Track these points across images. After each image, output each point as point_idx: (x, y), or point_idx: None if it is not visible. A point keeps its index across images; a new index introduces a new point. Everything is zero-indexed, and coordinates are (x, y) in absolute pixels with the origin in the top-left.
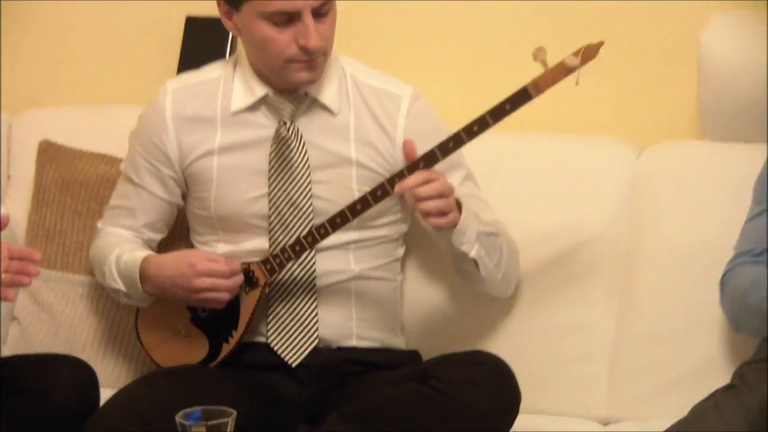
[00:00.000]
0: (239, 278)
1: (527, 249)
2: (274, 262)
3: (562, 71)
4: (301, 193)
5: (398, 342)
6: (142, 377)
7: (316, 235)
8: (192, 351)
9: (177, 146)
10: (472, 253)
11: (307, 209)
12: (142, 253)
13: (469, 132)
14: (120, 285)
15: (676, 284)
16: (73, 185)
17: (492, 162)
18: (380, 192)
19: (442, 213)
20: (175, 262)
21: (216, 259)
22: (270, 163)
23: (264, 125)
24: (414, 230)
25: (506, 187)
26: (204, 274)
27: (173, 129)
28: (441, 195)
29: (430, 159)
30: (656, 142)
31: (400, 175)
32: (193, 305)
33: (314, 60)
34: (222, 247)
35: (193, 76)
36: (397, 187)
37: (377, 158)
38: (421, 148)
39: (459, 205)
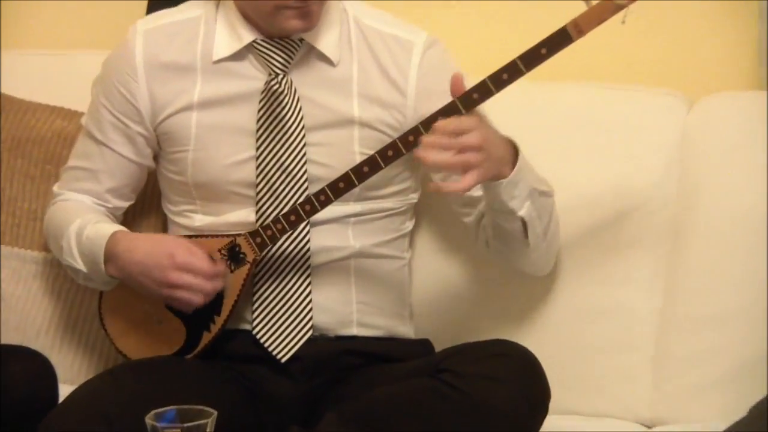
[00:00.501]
0: (220, 284)
1: (560, 218)
2: (264, 234)
3: (607, 9)
4: (294, 157)
5: (406, 330)
6: (107, 371)
7: (315, 203)
8: (166, 340)
9: (149, 98)
10: (522, 212)
11: (300, 176)
12: (110, 227)
13: (497, 81)
14: (80, 264)
15: (732, 258)
16: (25, 144)
17: (518, 116)
18: (392, 152)
19: (465, 167)
20: (152, 247)
21: (199, 254)
22: (258, 121)
23: (251, 77)
24: (425, 200)
25: (534, 146)
26: (183, 268)
27: (144, 77)
28: (445, 148)
29: (450, 114)
30: (709, 93)
31: (414, 132)
32: (161, 300)
33: (308, 6)
34: (200, 219)
35: (167, 16)
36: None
37: (384, 117)
38: (437, 105)
39: (515, 150)
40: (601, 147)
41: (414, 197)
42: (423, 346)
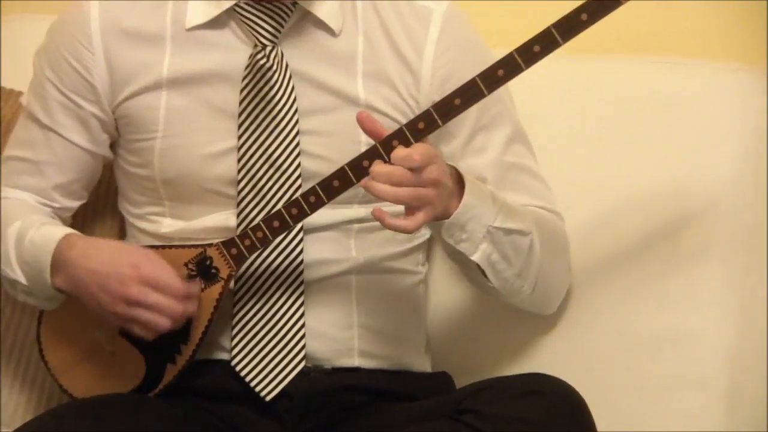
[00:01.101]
0: (192, 307)
1: (607, 223)
2: (242, 244)
3: None
4: (285, 148)
5: (420, 361)
6: (49, 411)
7: (304, 206)
8: (121, 375)
9: (107, 72)
10: (475, 256)
11: (292, 172)
12: (61, 229)
13: (527, 54)
14: (18, 275)
15: None
16: None
17: (553, 98)
18: (397, 142)
19: (415, 202)
20: (112, 254)
21: (170, 269)
22: (241, 103)
23: (233, 48)
24: None
25: (575, 135)
26: (150, 283)
27: (101, 47)
28: (399, 182)
29: (470, 94)
30: None
31: (425, 118)
32: (116, 322)
33: None
34: (168, 224)
35: None
36: (393, 154)
37: (395, 100)
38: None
39: (461, 183)
40: (659, 136)
41: None
42: (441, 380)
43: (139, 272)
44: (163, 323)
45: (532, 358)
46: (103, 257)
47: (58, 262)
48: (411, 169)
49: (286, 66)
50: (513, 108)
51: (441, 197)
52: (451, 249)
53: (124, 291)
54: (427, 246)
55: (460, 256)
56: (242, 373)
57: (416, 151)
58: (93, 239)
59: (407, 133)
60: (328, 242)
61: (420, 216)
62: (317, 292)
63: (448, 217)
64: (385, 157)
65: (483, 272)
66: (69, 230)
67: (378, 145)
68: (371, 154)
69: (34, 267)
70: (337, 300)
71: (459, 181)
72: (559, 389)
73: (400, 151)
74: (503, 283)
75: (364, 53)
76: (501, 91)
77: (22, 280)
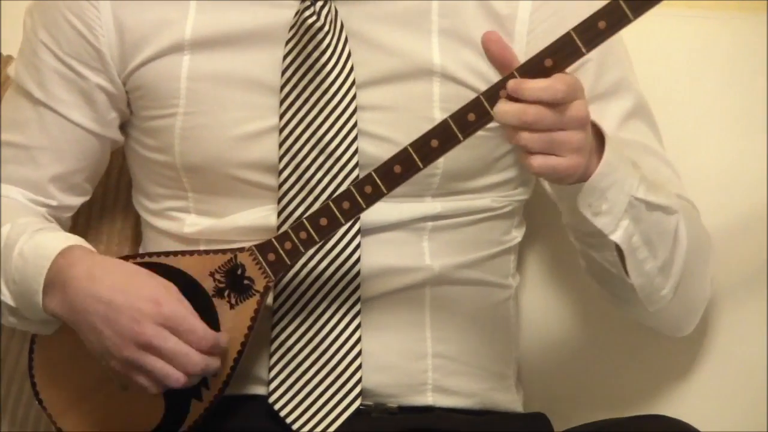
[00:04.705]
0: (215, 364)
1: None
2: (281, 248)
3: None
4: (340, 128)
5: (510, 398)
6: None
7: (357, 198)
8: (135, 416)
9: (116, 33)
10: (616, 235)
11: (348, 159)
12: (59, 240)
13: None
14: (4, 294)
15: None
16: None
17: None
18: (474, 114)
19: (548, 150)
20: (127, 280)
21: (192, 311)
22: (284, 72)
23: (275, 3)
24: (541, 198)
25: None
26: (170, 324)
27: (109, 1)
28: (534, 122)
29: (564, 52)
30: None
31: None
32: (117, 368)
33: None
34: (193, 222)
35: None
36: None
37: (480, 66)
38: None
39: (602, 142)
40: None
41: (523, 192)
42: (536, 423)
43: (159, 309)
44: (176, 378)
45: (650, 395)
46: (115, 282)
47: (55, 281)
48: (552, 105)
49: (341, 25)
50: (635, 77)
51: (587, 145)
52: (579, 232)
53: (137, 331)
54: (518, 254)
55: (594, 250)
56: (282, 413)
57: (559, 81)
58: (101, 257)
59: (485, 104)
60: (393, 246)
61: (562, 162)
62: (379, 310)
63: (586, 179)
64: (459, 136)
65: (622, 264)
66: (69, 241)
67: (450, 120)
68: (441, 131)
69: (23, 287)
70: (405, 321)
71: (596, 134)
72: None
73: (537, 82)
74: (644, 281)
75: (440, 6)
76: (623, 53)
77: (9, 301)
